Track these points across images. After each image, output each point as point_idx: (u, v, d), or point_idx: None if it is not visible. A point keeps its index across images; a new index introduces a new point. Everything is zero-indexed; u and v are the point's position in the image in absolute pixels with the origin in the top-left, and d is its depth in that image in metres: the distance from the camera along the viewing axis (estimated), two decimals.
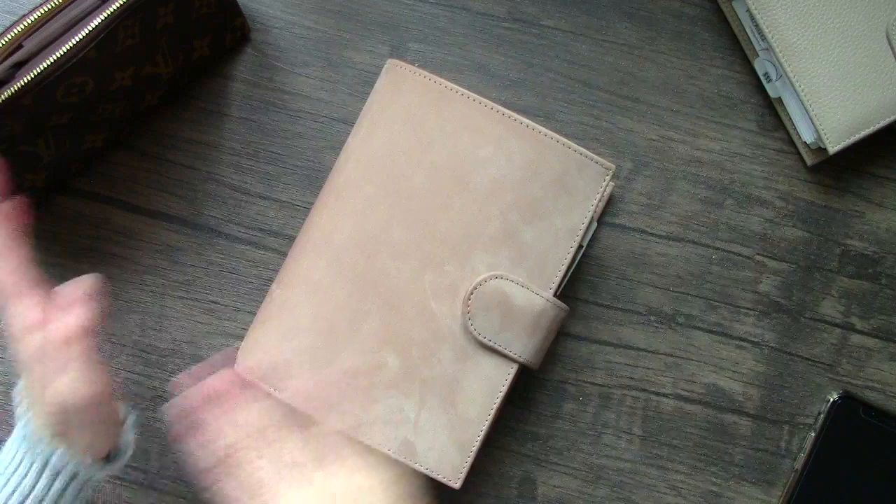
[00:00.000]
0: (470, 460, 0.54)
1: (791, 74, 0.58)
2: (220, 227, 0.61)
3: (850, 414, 0.59)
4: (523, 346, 0.54)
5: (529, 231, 0.54)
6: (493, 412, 0.54)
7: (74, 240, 0.61)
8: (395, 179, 0.54)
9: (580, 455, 0.57)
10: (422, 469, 0.54)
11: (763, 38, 0.60)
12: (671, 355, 0.61)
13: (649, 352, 0.61)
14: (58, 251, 0.61)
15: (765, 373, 0.61)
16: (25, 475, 0.45)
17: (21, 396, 0.48)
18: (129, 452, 0.52)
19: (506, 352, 0.54)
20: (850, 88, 0.58)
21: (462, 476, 0.54)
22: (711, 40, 0.63)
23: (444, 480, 0.54)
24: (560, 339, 0.60)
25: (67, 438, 0.46)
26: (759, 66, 0.62)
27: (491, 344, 0.54)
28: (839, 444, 0.59)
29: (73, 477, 0.46)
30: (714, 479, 0.60)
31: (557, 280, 0.54)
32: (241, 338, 0.59)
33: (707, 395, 0.61)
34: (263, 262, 0.61)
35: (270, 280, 0.61)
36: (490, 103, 0.54)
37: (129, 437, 0.52)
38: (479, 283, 0.53)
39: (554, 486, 0.60)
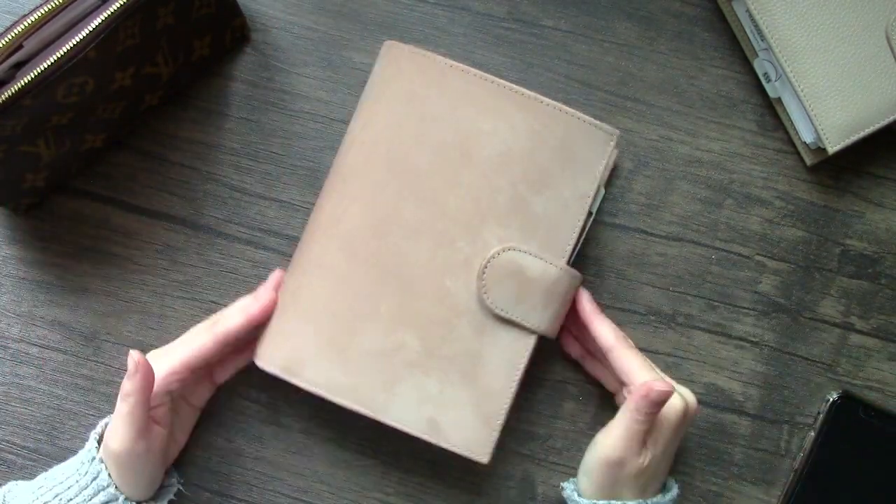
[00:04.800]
0: (496, 434, 0.54)
1: (790, 74, 0.58)
2: (220, 227, 0.61)
3: (850, 414, 0.59)
4: (540, 317, 0.54)
5: (539, 201, 0.54)
6: (515, 384, 0.54)
7: (74, 240, 0.61)
8: (400, 159, 0.54)
9: (580, 455, 0.57)
10: (449, 447, 0.54)
11: (763, 38, 0.60)
12: (671, 355, 0.61)
13: (649, 351, 0.61)
14: (58, 251, 0.61)
15: (764, 373, 0.61)
16: (82, 483, 0.53)
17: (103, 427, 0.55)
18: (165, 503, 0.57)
19: (523, 323, 0.54)
20: (849, 88, 0.58)
21: (489, 451, 0.54)
22: (711, 40, 0.63)
23: (472, 456, 0.54)
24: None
25: (114, 474, 0.53)
26: (759, 66, 0.62)
27: (508, 316, 0.54)
28: (839, 444, 0.59)
29: (111, 500, 0.53)
30: (714, 479, 0.61)
31: (570, 248, 0.54)
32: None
33: (707, 394, 0.61)
34: (263, 262, 0.61)
35: None
36: (491, 77, 0.54)
37: (170, 490, 0.57)
38: (492, 256, 0.54)
39: (554, 486, 0.60)
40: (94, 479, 0.52)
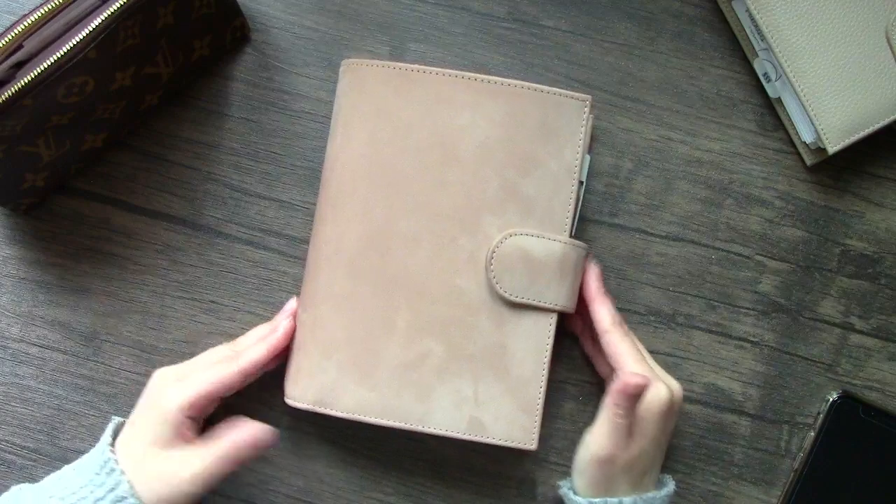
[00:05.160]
0: (538, 419, 0.54)
1: (791, 74, 0.58)
2: (220, 227, 0.61)
3: (850, 414, 0.59)
4: (556, 294, 0.54)
5: (528, 183, 0.54)
6: (545, 367, 0.55)
7: (74, 240, 0.61)
8: (384, 172, 0.54)
9: None
10: (494, 441, 0.54)
11: (763, 38, 0.60)
12: (671, 355, 0.61)
13: (649, 352, 0.61)
14: (58, 251, 0.61)
15: (764, 373, 0.61)
16: (98, 494, 0.50)
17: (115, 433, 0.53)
18: None
19: (540, 304, 0.54)
20: (849, 88, 0.58)
21: (535, 437, 0.54)
22: (711, 40, 0.63)
23: (518, 446, 0.54)
24: (560, 339, 0.60)
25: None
26: (759, 66, 0.62)
27: (524, 301, 0.54)
28: (839, 444, 0.59)
29: None
30: (714, 479, 0.61)
31: (568, 221, 0.55)
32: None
33: (706, 394, 0.61)
34: (263, 262, 0.61)
35: (270, 280, 0.61)
36: (452, 71, 0.54)
37: None
38: (496, 246, 0.54)
39: (553, 486, 0.60)
40: (112, 490, 0.51)
